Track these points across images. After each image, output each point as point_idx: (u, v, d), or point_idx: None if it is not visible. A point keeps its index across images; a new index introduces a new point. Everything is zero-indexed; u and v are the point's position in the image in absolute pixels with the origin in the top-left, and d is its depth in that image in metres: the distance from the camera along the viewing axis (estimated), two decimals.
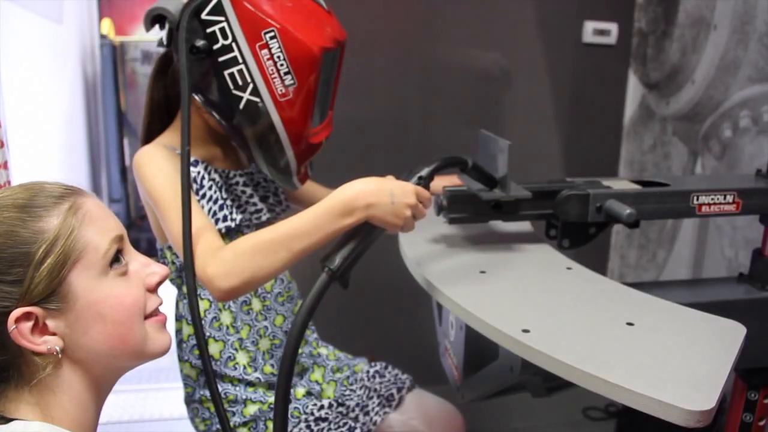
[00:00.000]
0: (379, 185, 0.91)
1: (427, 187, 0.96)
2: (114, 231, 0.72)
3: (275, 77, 1.01)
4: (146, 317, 0.74)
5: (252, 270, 0.90)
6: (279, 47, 0.99)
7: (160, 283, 0.77)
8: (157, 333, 0.75)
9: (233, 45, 1.00)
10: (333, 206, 0.89)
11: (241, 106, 1.03)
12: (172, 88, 1.16)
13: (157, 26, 1.04)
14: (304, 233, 0.90)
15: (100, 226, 0.71)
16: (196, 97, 1.05)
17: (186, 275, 0.93)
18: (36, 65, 2.63)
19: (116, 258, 0.71)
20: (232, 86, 1.02)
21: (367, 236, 0.92)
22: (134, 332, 0.72)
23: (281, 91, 1.02)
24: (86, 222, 0.69)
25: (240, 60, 1.00)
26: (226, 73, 1.01)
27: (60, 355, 0.67)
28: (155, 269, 0.76)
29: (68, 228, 0.68)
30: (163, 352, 0.76)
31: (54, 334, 0.67)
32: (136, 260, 0.75)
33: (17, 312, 0.64)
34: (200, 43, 0.99)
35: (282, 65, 1.00)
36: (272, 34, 0.99)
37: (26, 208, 0.67)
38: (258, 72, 1.01)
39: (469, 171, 1.02)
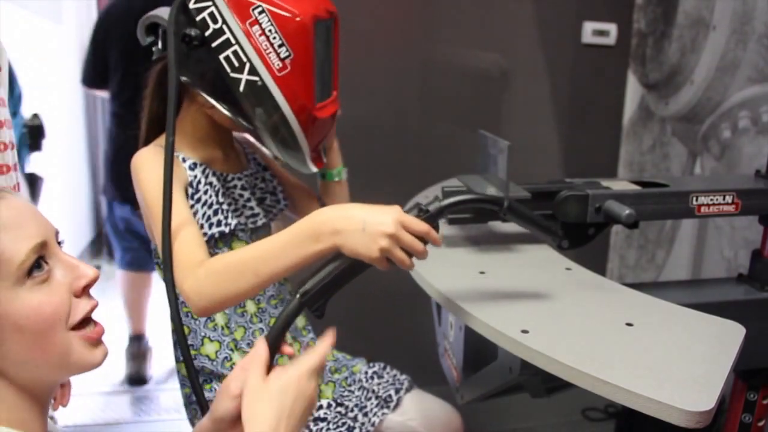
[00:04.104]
0: (351, 211, 0.83)
1: (431, 220, 0.84)
2: (34, 238, 0.67)
3: (270, 52, 1.00)
4: (74, 328, 0.69)
5: (220, 293, 0.90)
6: (269, 21, 0.99)
7: (88, 286, 0.72)
8: (83, 349, 0.70)
9: (224, 27, 1.00)
10: (302, 230, 0.84)
11: (241, 88, 1.02)
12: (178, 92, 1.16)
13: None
14: (271, 256, 0.86)
15: (15, 233, 0.66)
16: (200, 92, 1.05)
17: (165, 283, 0.93)
18: (35, 65, 2.63)
19: (37, 266, 0.67)
20: (229, 70, 1.01)
21: (345, 267, 0.83)
22: (55, 343, 0.68)
23: (278, 65, 1.01)
24: (0, 231, 0.65)
25: (233, 41, 1.00)
26: (221, 57, 1.01)
27: None
28: (83, 272, 0.71)
29: None
30: (92, 368, 0.72)
31: None
32: (62, 263, 0.70)
33: None
34: (193, 32, 1.00)
35: (275, 38, 1.00)
36: (260, 9, 0.99)
37: None
38: (252, 50, 1.00)
39: (505, 213, 0.86)
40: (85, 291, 0.71)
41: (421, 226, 0.83)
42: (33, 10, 2.71)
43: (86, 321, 0.71)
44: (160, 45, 1.05)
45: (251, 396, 0.74)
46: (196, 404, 1.20)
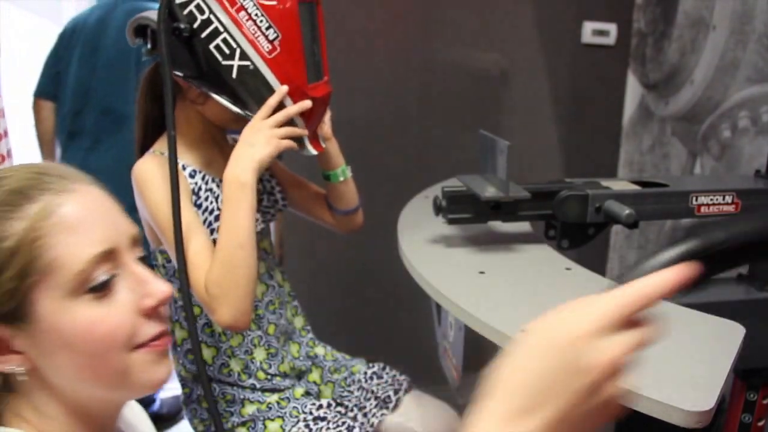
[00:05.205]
0: (236, 151, 1.02)
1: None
2: (99, 245, 0.58)
3: (259, 35, 1.02)
4: (138, 346, 0.60)
5: (239, 288, 0.97)
6: (254, 5, 1.01)
7: (157, 307, 0.61)
8: (144, 368, 0.60)
9: (211, 17, 1.01)
10: (228, 190, 0.99)
11: (234, 74, 1.03)
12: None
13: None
14: (234, 224, 0.98)
15: (79, 237, 0.57)
16: (194, 85, 1.06)
17: (184, 302, 0.98)
18: (35, 65, 2.63)
19: (97, 278, 0.57)
20: (220, 58, 1.03)
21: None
22: (111, 365, 0.58)
23: (268, 48, 1.02)
24: (60, 230, 0.56)
25: (221, 29, 1.01)
26: (211, 47, 1.02)
27: (22, 378, 0.58)
28: (153, 289, 0.61)
29: (33, 236, 0.55)
30: (156, 387, 0.63)
31: (20, 353, 0.57)
32: (130, 275, 0.60)
33: None
34: (182, 24, 1.01)
35: (262, 22, 1.01)
36: None
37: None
38: (241, 35, 1.02)
39: None
40: (153, 312, 0.61)
41: (279, 114, 1.03)
42: (33, 10, 2.71)
43: (152, 338, 0.61)
44: (149, 45, 1.06)
45: (516, 352, 0.45)
46: (195, 403, 1.20)
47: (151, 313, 0.61)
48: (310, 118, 1.10)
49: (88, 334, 0.57)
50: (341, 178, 1.25)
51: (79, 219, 0.58)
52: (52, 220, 0.56)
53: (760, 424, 1.20)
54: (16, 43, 2.29)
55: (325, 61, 1.14)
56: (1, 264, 0.55)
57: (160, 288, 0.61)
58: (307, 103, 1.06)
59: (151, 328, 0.61)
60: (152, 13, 1.04)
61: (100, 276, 0.57)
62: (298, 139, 1.10)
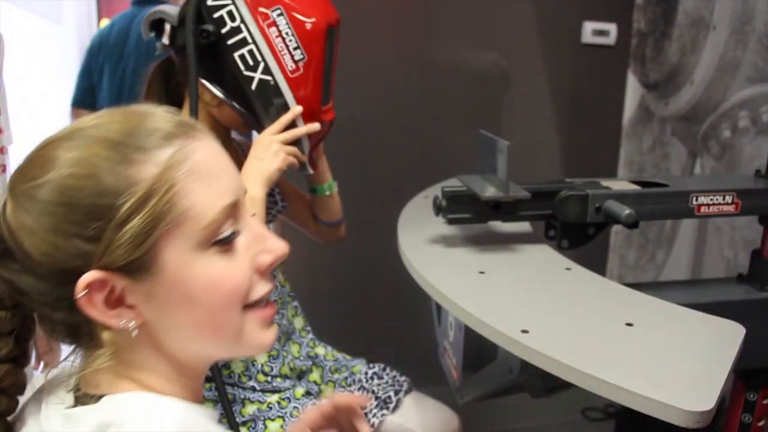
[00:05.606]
0: (247, 166, 1.05)
1: None
2: (228, 196, 0.55)
3: (285, 54, 1.03)
4: (248, 306, 0.58)
5: None
6: (287, 23, 1.02)
7: (273, 264, 0.59)
8: (255, 329, 0.59)
9: (241, 26, 1.02)
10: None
11: (254, 86, 1.05)
12: (176, 90, 1.16)
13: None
14: None
15: (211, 187, 0.54)
16: (209, 86, 1.06)
17: None
18: (35, 65, 2.63)
19: (224, 231, 0.55)
20: (243, 68, 1.04)
21: None
22: (229, 322, 0.57)
23: (291, 67, 1.04)
24: (193, 178, 0.53)
25: (250, 40, 1.02)
26: (236, 55, 1.03)
27: (134, 333, 0.54)
28: (271, 245, 0.59)
29: (166, 184, 0.52)
30: (261, 351, 0.62)
31: (132, 307, 0.54)
32: (249, 230, 0.58)
33: (89, 276, 0.51)
34: (210, 27, 1.02)
35: (291, 41, 1.03)
36: (279, 11, 1.02)
37: (119, 146, 0.52)
38: (268, 50, 1.03)
39: None
40: (267, 269, 0.59)
41: (289, 133, 1.06)
42: (33, 10, 2.71)
43: (259, 300, 0.59)
44: (165, 40, 1.07)
45: None
46: None
47: (265, 271, 0.59)
48: (314, 138, 1.13)
49: (214, 288, 0.55)
50: (327, 193, 1.28)
51: (209, 168, 0.55)
52: (185, 167, 0.53)
53: (760, 424, 1.20)
54: (16, 44, 2.29)
55: (333, 85, 1.16)
56: (131, 210, 0.51)
57: (279, 245, 0.59)
58: (315, 126, 1.08)
59: (264, 287, 0.59)
60: (169, 8, 1.06)
61: (227, 229, 0.55)
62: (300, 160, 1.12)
